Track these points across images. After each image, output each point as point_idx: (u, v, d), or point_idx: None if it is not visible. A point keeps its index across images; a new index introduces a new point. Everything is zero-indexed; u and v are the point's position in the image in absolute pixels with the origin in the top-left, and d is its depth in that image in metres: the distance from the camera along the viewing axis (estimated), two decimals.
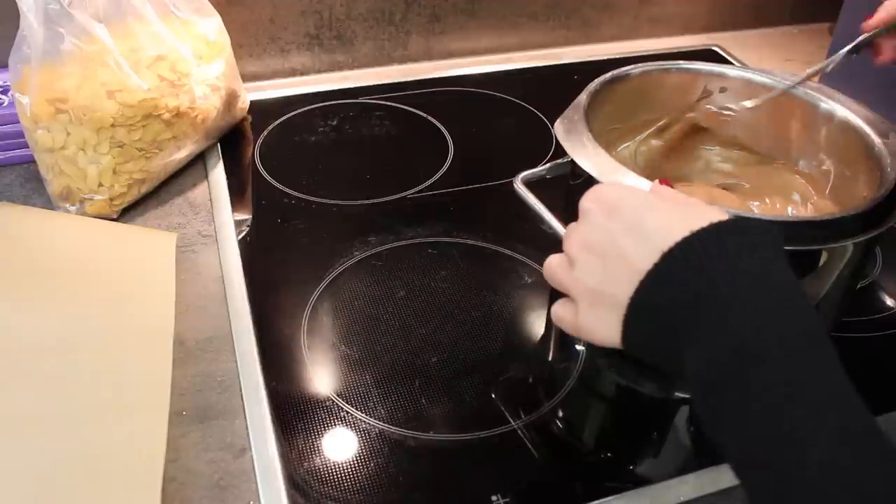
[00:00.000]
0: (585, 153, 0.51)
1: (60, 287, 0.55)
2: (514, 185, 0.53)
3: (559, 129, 0.54)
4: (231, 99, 0.74)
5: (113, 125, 0.62)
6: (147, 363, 0.50)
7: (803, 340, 0.33)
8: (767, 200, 0.61)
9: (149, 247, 0.61)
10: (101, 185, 0.64)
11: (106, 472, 0.43)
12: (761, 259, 0.35)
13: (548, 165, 0.55)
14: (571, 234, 0.41)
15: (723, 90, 0.62)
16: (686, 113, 0.63)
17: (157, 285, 0.57)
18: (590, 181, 0.50)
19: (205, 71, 0.69)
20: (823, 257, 0.47)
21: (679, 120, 0.63)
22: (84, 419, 0.46)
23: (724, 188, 0.63)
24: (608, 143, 0.62)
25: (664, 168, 0.64)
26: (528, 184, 0.53)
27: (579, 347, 0.56)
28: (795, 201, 0.60)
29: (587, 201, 0.41)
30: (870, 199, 0.47)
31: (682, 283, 0.35)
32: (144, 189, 0.67)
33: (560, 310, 0.41)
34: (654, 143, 0.64)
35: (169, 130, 0.66)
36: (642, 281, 0.36)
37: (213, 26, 0.71)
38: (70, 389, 0.48)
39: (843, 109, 0.57)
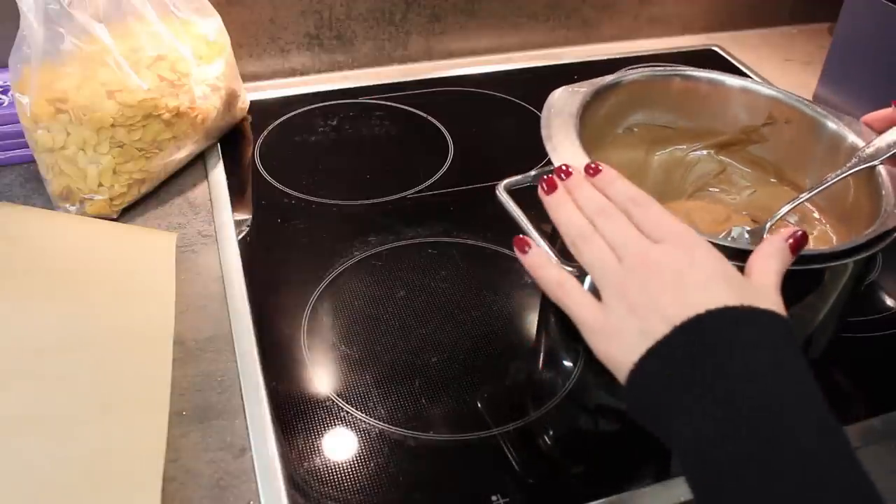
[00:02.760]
0: (563, 146, 0.51)
1: (60, 287, 0.55)
2: (497, 192, 0.53)
3: (547, 105, 0.54)
4: (231, 99, 0.74)
5: (113, 125, 0.62)
6: (147, 363, 0.50)
7: (814, 431, 0.33)
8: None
9: (149, 247, 0.61)
10: (101, 184, 0.64)
11: (106, 472, 0.43)
12: (773, 347, 0.35)
13: (534, 173, 0.55)
14: (629, 233, 0.40)
15: (788, 122, 0.60)
16: (749, 135, 0.62)
17: (157, 285, 0.57)
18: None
19: (205, 71, 0.69)
20: (826, 275, 0.47)
21: (741, 140, 0.62)
22: (84, 419, 0.46)
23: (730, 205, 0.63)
24: (654, 140, 0.63)
25: (704, 181, 0.63)
26: (512, 191, 0.53)
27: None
28: (791, 223, 0.59)
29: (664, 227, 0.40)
30: (870, 227, 0.47)
31: (692, 357, 0.35)
32: (144, 189, 0.67)
33: (587, 305, 0.40)
34: (706, 155, 0.64)
35: (169, 130, 0.66)
36: (658, 342, 0.36)
37: (213, 26, 0.71)
38: (70, 389, 0.48)
39: (846, 130, 0.56)
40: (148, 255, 0.60)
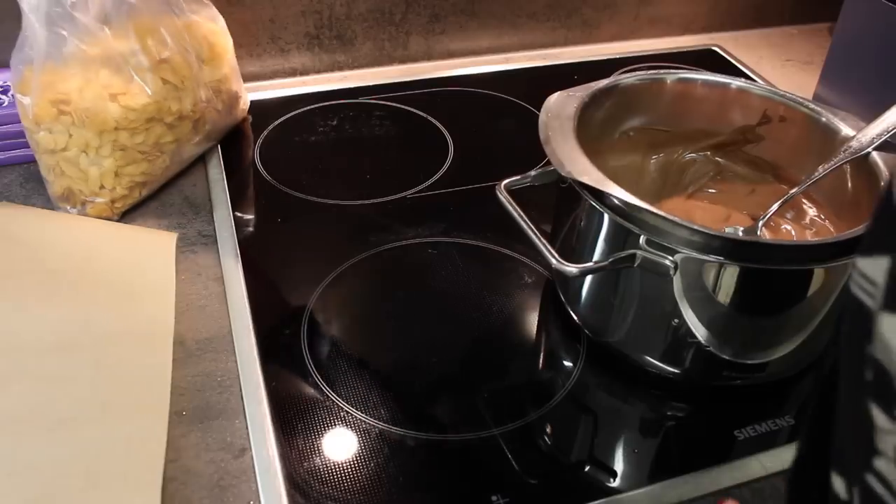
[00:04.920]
0: (562, 149, 0.51)
1: (61, 287, 0.55)
2: (497, 192, 0.53)
3: (544, 109, 0.54)
4: (232, 101, 0.74)
5: (116, 128, 0.62)
6: (147, 363, 0.50)
7: None
8: (772, 222, 0.60)
9: (149, 247, 0.61)
10: (102, 186, 0.64)
11: (106, 472, 0.43)
12: None
13: (533, 173, 0.55)
14: None
15: (782, 119, 0.60)
16: (745, 134, 0.62)
17: (158, 285, 0.57)
18: (572, 187, 0.50)
19: (208, 73, 0.69)
20: (824, 275, 0.47)
21: (737, 141, 0.62)
22: (84, 419, 0.46)
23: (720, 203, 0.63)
24: (651, 143, 0.63)
25: (702, 183, 0.63)
26: (512, 191, 0.53)
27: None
28: (790, 219, 0.60)
29: None
30: (867, 221, 0.47)
31: None
32: (146, 191, 0.67)
33: None
34: (704, 157, 0.63)
35: (171, 134, 0.66)
36: None
37: (216, 28, 0.71)
38: (70, 389, 0.48)
39: (841, 125, 0.56)
40: (148, 256, 0.60)
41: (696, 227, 0.45)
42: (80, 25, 0.60)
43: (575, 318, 0.56)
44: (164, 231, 0.65)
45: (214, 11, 0.71)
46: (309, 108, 0.83)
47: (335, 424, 0.50)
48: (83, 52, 0.61)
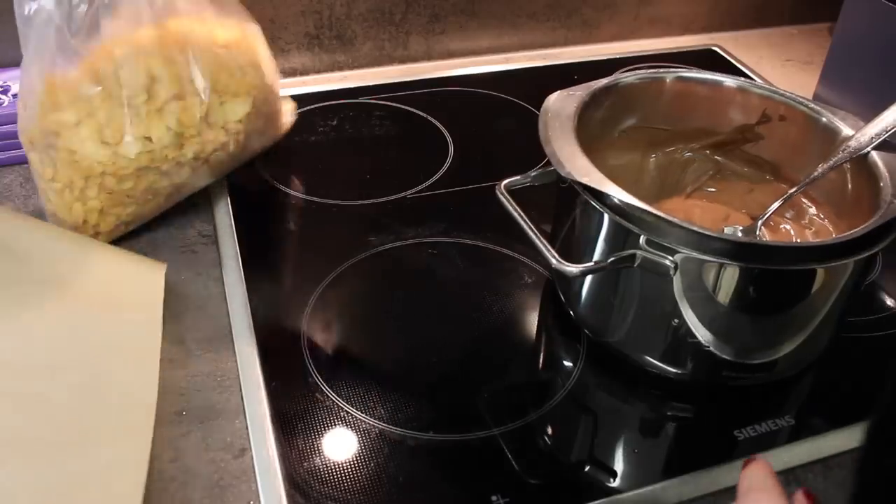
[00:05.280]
0: (562, 150, 0.51)
1: (46, 303, 0.52)
2: (497, 192, 0.53)
3: (544, 109, 0.54)
4: (248, 138, 0.67)
5: (103, 173, 0.59)
6: (132, 387, 0.48)
7: None
8: (771, 221, 0.60)
9: (137, 273, 0.58)
10: (85, 221, 0.61)
11: (84, 500, 0.42)
12: None
13: (533, 173, 0.55)
14: None
15: (782, 118, 0.60)
16: (744, 133, 0.62)
17: (144, 312, 0.53)
18: (572, 187, 0.50)
19: (226, 111, 0.63)
20: (825, 275, 0.47)
21: (737, 140, 0.62)
22: (63, 444, 0.44)
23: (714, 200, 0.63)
24: (650, 142, 0.63)
25: (701, 182, 0.64)
26: (512, 191, 0.53)
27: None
28: (789, 218, 0.60)
29: None
30: (868, 222, 0.47)
31: None
32: (132, 227, 0.64)
33: None
34: (703, 156, 0.64)
35: (166, 179, 0.62)
36: None
37: (245, 60, 0.64)
38: (51, 412, 0.45)
39: (840, 125, 0.56)
40: (136, 282, 0.56)
41: (694, 228, 0.45)
42: (82, 57, 0.57)
43: (575, 318, 0.56)
44: (153, 261, 0.60)
45: (255, 28, 0.65)
46: (309, 108, 0.83)
47: (335, 424, 0.50)
48: (85, 88, 0.57)
